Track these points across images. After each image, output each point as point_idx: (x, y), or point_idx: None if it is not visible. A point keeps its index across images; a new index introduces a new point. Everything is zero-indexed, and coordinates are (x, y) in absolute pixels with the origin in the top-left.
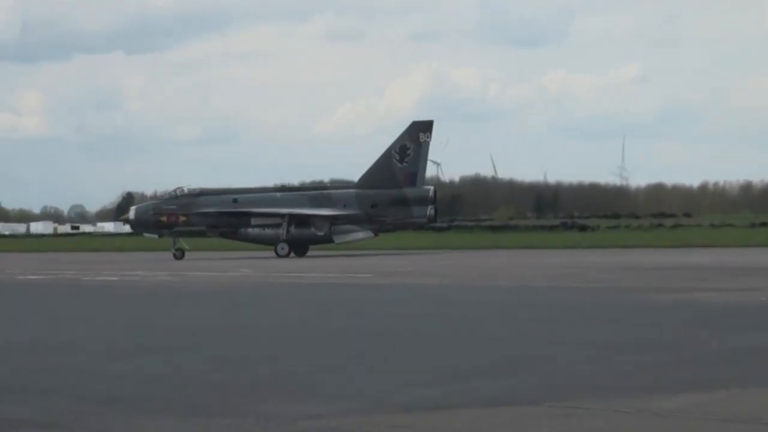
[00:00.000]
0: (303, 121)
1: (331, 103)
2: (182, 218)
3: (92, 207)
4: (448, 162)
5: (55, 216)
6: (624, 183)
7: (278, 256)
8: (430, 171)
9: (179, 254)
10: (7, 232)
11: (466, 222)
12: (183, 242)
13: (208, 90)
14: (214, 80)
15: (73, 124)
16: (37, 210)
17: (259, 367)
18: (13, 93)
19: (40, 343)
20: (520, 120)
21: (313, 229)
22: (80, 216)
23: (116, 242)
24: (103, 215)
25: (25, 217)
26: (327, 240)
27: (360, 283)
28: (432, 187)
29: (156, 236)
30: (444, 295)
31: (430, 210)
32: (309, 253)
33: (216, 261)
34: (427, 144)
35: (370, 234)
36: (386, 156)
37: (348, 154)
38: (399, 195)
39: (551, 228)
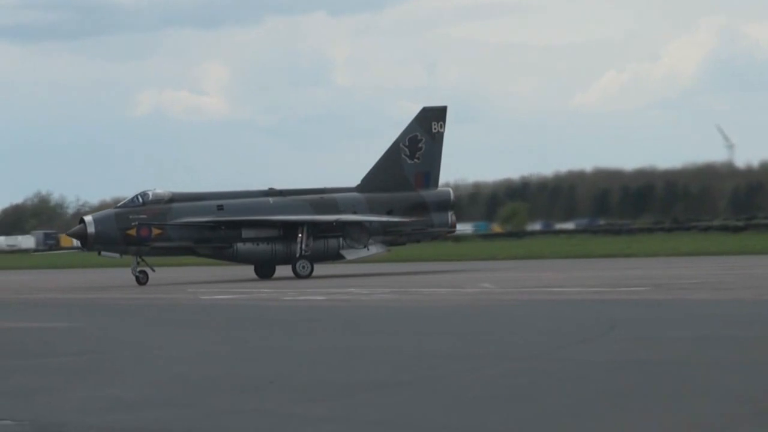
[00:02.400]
0: (555, 92)
1: (592, 70)
2: (156, 231)
3: None
4: (740, 144)
5: None
6: None
7: (298, 276)
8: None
9: (143, 277)
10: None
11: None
12: (146, 262)
13: (435, 57)
14: (441, 45)
15: (262, 103)
16: None
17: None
18: (191, 67)
19: (232, 379)
20: None
21: (348, 241)
22: None
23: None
24: None
25: None
26: (336, 256)
27: (650, 300)
28: (450, 189)
29: (118, 255)
30: None
31: (451, 217)
32: (331, 270)
33: (447, 274)
34: (441, 135)
35: (384, 248)
36: (394, 151)
37: (614, 134)
38: (417, 199)
39: None
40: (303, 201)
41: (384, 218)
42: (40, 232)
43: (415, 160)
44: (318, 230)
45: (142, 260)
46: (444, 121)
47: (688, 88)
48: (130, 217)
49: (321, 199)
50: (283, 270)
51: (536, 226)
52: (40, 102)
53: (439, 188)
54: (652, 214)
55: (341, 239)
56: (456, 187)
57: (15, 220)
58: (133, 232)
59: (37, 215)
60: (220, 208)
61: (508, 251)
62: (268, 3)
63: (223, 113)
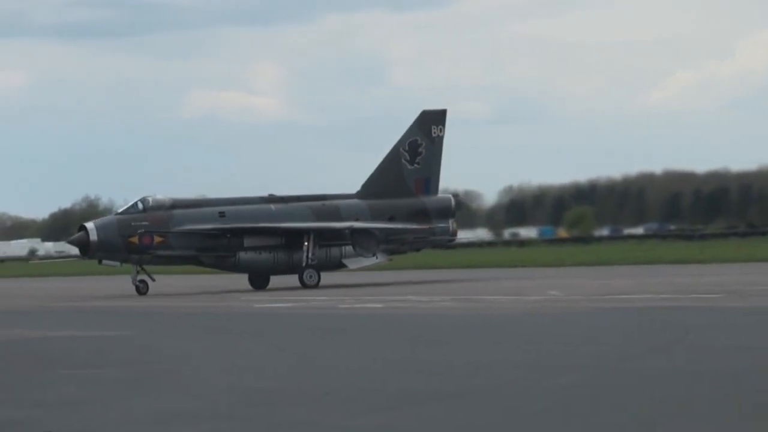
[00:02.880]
0: (624, 92)
1: (662, 69)
2: (158, 239)
3: None
4: None
5: None
6: None
7: (305, 286)
8: None
9: (143, 286)
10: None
11: None
12: (146, 271)
13: (499, 55)
14: (506, 42)
15: (318, 104)
16: None
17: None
18: (244, 66)
19: (289, 390)
20: None
21: (358, 249)
22: None
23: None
24: (361, 221)
25: None
26: (338, 265)
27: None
28: (451, 196)
29: (118, 264)
30: None
31: (452, 225)
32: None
33: (511, 281)
34: (441, 140)
35: (386, 256)
36: (394, 155)
37: (686, 135)
38: (419, 206)
39: None
40: (305, 208)
41: (396, 226)
42: None
43: (416, 165)
44: (322, 238)
45: (142, 269)
46: (444, 125)
47: (763, 86)
48: (133, 224)
49: (323, 206)
50: (278, 280)
51: (604, 231)
52: (88, 103)
53: (439, 194)
54: (726, 219)
55: (343, 248)
56: (519, 190)
57: (64, 224)
58: (135, 239)
59: (86, 220)
60: (221, 215)
61: (575, 257)
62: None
63: (277, 114)
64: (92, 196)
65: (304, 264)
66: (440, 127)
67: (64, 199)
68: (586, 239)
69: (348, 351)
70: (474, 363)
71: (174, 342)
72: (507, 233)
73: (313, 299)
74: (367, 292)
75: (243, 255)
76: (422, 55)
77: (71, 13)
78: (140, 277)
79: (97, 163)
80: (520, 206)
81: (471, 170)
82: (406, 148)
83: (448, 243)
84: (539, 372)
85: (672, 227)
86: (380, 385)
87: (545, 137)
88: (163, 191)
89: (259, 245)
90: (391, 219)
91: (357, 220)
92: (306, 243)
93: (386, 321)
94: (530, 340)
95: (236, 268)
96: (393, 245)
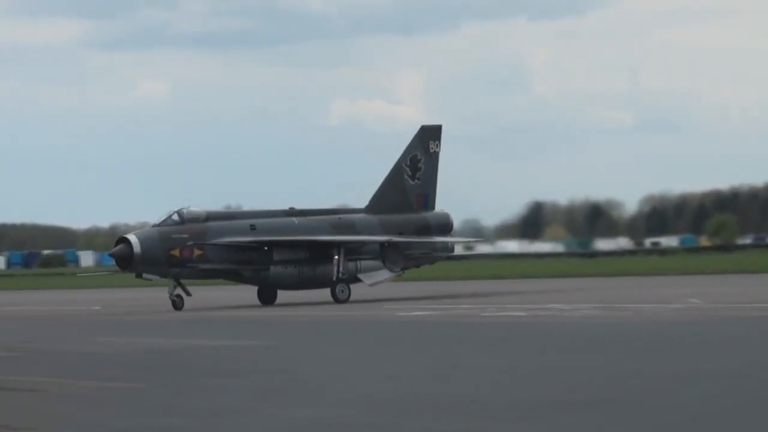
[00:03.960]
0: (765, 99)
1: None
2: (197, 252)
3: (489, 220)
4: None
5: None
6: None
7: (337, 301)
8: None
9: (179, 301)
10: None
11: None
12: (182, 285)
13: (640, 62)
14: (647, 49)
15: (460, 111)
16: None
17: None
18: (385, 75)
19: (433, 398)
20: None
21: (388, 264)
22: (474, 233)
23: (521, 265)
24: (505, 231)
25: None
26: (353, 280)
27: None
28: (449, 213)
29: (158, 277)
30: None
31: (451, 241)
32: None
33: (652, 289)
34: (437, 155)
35: (397, 271)
36: (397, 170)
37: None
38: (422, 222)
39: None
40: (324, 222)
41: (432, 239)
42: None
43: (416, 180)
44: (348, 253)
45: (179, 283)
46: (439, 141)
47: None
48: (173, 236)
49: (339, 220)
50: (286, 295)
51: (747, 240)
52: (228, 112)
53: (436, 210)
54: None
55: (359, 263)
56: (661, 198)
57: None
58: (177, 252)
59: None
60: (252, 227)
61: (717, 265)
62: (466, 8)
63: (419, 123)
64: (232, 206)
65: (335, 278)
66: (437, 142)
67: (205, 208)
68: (728, 247)
69: (492, 359)
70: (619, 371)
71: (318, 351)
72: (648, 242)
73: (455, 307)
74: (510, 300)
75: (274, 269)
76: (563, 63)
77: (214, 24)
78: (177, 291)
79: (238, 172)
80: (662, 214)
81: (611, 178)
82: (408, 163)
83: (446, 258)
84: (681, 381)
85: None
86: (526, 393)
87: (686, 145)
88: (301, 203)
89: (288, 259)
90: (400, 234)
91: (370, 235)
92: (336, 257)
93: (530, 329)
94: (672, 348)
95: (267, 281)
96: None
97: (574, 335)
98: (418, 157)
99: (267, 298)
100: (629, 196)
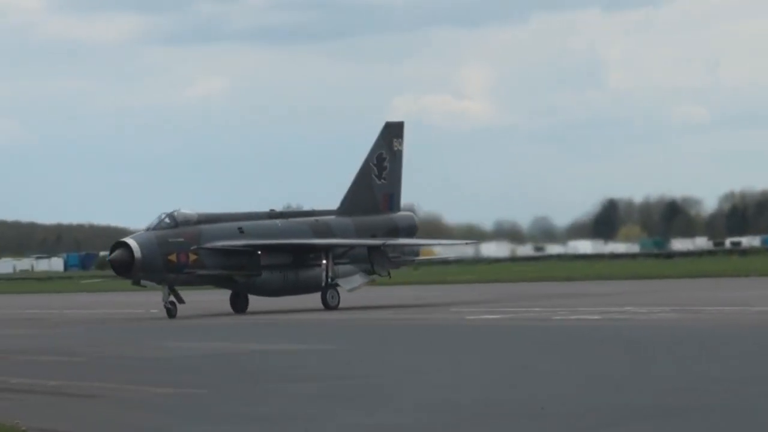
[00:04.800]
0: None
1: None
2: (192, 257)
3: (560, 220)
4: None
5: (511, 233)
6: None
7: (328, 307)
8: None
9: (173, 309)
10: (452, 256)
11: None
12: (176, 292)
13: (719, 54)
14: (725, 42)
15: (529, 107)
16: (488, 225)
17: None
18: (452, 69)
19: (503, 404)
20: None
21: (377, 268)
22: (545, 233)
23: (594, 267)
24: (576, 231)
25: (473, 234)
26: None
27: None
28: (413, 213)
29: (155, 284)
30: None
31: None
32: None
33: (733, 292)
34: (401, 154)
35: (368, 277)
36: (365, 170)
37: None
38: (391, 223)
39: None
40: (304, 224)
41: (428, 242)
42: None
43: (383, 180)
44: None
45: (173, 290)
46: (402, 138)
47: None
48: (170, 240)
49: (317, 222)
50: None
51: None
52: (288, 108)
53: (402, 212)
54: None
55: (337, 267)
56: (741, 196)
57: None
58: (174, 257)
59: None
60: (240, 230)
61: None
62: None
63: (488, 118)
64: (293, 205)
65: (324, 283)
66: (399, 140)
67: (264, 207)
68: None
69: (565, 364)
70: (697, 378)
71: (388, 355)
72: (728, 242)
73: (525, 310)
74: (583, 302)
75: (265, 274)
76: (637, 56)
77: (271, 17)
78: (170, 298)
79: (297, 169)
80: (742, 213)
81: (689, 175)
82: (375, 162)
83: (411, 262)
84: (763, 387)
85: None
86: (600, 400)
87: (760, 143)
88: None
89: (275, 263)
90: (373, 237)
91: (345, 238)
92: (324, 261)
93: (604, 333)
94: (755, 353)
95: (254, 287)
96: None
97: (649, 340)
98: (384, 156)
99: (240, 305)
100: (708, 194)
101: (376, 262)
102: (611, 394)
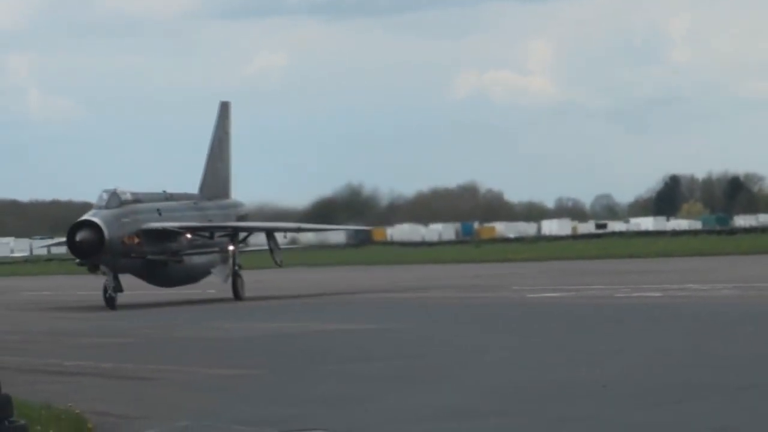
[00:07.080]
0: None
1: None
2: (136, 240)
3: (623, 197)
4: None
5: (573, 211)
6: None
7: (238, 297)
8: None
9: (115, 297)
10: (512, 235)
11: None
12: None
13: None
14: None
15: (593, 84)
16: (550, 203)
17: None
18: (515, 45)
19: (563, 384)
20: None
21: (274, 256)
22: (607, 210)
23: (656, 244)
24: (638, 208)
25: (535, 213)
26: (205, 274)
27: None
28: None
29: (109, 270)
30: None
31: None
32: None
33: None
34: (228, 136)
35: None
36: (212, 152)
37: None
38: (241, 210)
39: None
40: (190, 207)
41: (339, 227)
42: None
43: (222, 162)
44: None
45: (115, 277)
46: (229, 119)
47: None
48: (123, 220)
49: (195, 205)
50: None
51: None
52: (349, 85)
53: (233, 198)
54: None
55: (213, 256)
56: None
57: (325, 213)
58: (126, 240)
59: (349, 209)
60: (158, 212)
61: None
62: None
63: (551, 95)
64: (355, 183)
65: (229, 272)
66: (228, 121)
67: (325, 186)
68: None
69: (627, 342)
70: (757, 356)
71: (451, 335)
72: None
73: (586, 288)
74: (644, 279)
75: (188, 260)
76: (701, 31)
77: None
78: (114, 284)
79: (358, 147)
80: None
81: (752, 151)
82: (218, 143)
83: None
84: None
85: None
86: (661, 379)
87: None
88: (431, 179)
89: (194, 250)
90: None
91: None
92: (233, 247)
93: (666, 310)
94: None
95: (173, 275)
96: (225, 254)
97: (711, 317)
98: (222, 137)
99: (110, 300)
100: None
101: (274, 249)
102: (672, 372)
